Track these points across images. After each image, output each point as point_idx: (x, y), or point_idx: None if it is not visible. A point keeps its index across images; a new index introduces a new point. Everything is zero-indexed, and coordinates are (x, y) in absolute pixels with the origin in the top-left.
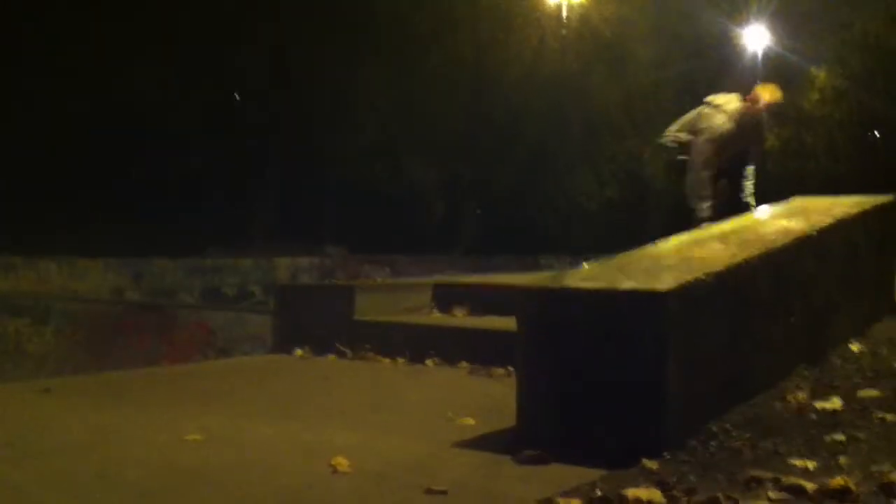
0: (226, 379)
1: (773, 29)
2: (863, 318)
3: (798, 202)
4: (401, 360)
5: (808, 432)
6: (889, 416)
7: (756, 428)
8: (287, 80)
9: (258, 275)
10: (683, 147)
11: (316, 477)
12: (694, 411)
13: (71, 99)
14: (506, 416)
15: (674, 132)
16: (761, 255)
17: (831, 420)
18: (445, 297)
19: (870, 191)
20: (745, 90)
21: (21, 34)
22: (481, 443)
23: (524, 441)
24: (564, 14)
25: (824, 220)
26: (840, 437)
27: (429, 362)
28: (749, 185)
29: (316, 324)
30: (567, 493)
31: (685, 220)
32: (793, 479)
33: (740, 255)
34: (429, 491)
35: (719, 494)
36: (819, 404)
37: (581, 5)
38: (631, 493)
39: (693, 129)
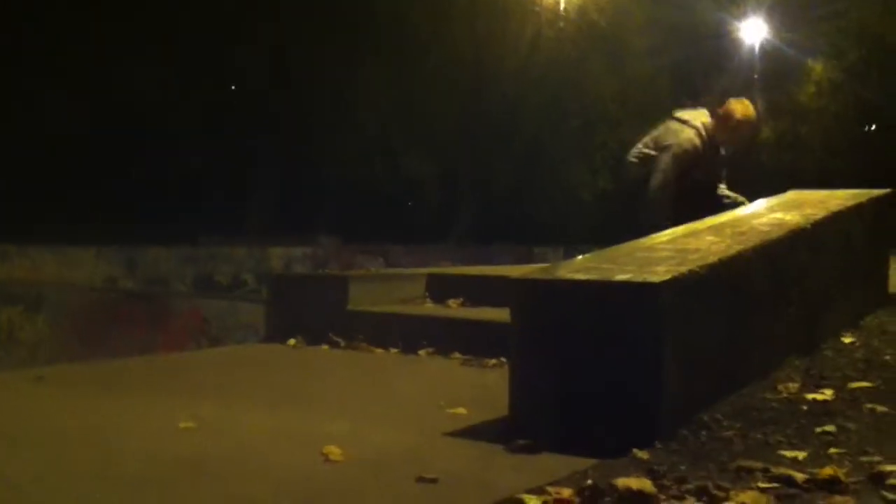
0: (218, 368)
1: (770, 21)
2: (856, 310)
3: (793, 195)
4: (394, 351)
5: (798, 423)
6: (880, 408)
7: (747, 418)
8: (286, 78)
9: (251, 264)
10: (647, 165)
11: (308, 465)
12: (685, 402)
13: (70, 98)
14: (498, 407)
15: (640, 149)
16: (756, 247)
17: (822, 411)
18: (439, 288)
19: (865, 184)
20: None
21: (21, 34)
22: (473, 432)
23: (516, 431)
24: (562, 6)
25: (819, 212)
26: (831, 427)
27: (422, 353)
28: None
29: (309, 313)
30: (558, 483)
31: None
32: (783, 470)
33: (735, 247)
34: (420, 479)
35: (709, 483)
36: (810, 395)
37: None
38: (621, 482)
39: (658, 146)
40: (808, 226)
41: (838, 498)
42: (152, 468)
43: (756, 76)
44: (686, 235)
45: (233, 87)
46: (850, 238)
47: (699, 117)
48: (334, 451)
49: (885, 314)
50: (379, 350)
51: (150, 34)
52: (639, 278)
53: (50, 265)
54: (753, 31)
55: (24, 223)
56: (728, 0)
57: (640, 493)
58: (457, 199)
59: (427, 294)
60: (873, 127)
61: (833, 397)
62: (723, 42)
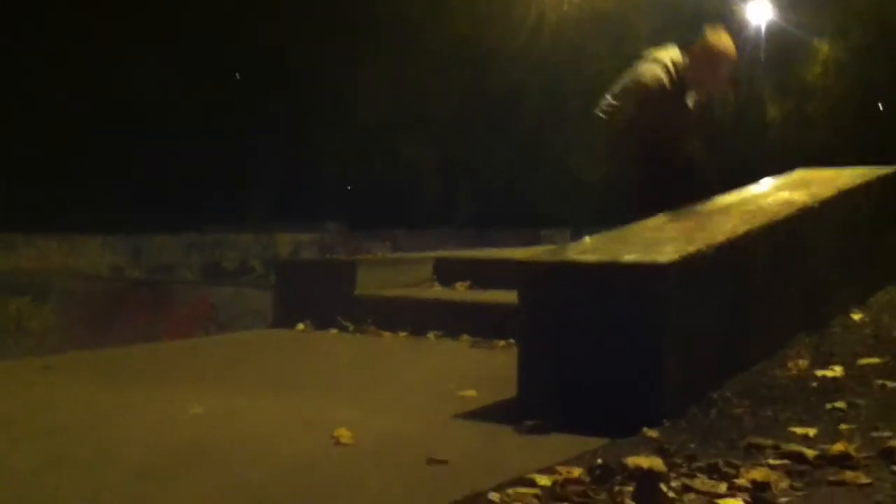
0: (227, 354)
1: (776, 2)
2: (864, 287)
3: (800, 174)
4: (402, 334)
5: (808, 400)
6: (889, 384)
7: (756, 396)
8: (285, 73)
9: (258, 250)
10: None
11: (318, 450)
12: (694, 380)
13: (70, 97)
14: (507, 388)
15: (607, 100)
16: (763, 226)
17: (832, 387)
18: (447, 272)
19: (872, 162)
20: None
21: (21, 34)
22: (483, 414)
23: (525, 412)
24: None
25: (826, 191)
26: (840, 404)
27: (430, 336)
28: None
29: (317, 299)
30: (568, 462)
31: None
32: (793, 446)
33: (742, 226)
34: (430, 461)
35: (719, 461)
36: (819, 372)
37: None
38: (632, 460)
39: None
40: (816, 204)
41: (849, 473)
42: (159, 455)
43: (762, 57)
44: (694, 215)
45: (236, 76)
46: (857, 216)
47: (668, 53)
48: (344, 434)
49: (894, 290)
50: (387, 334)
51: (150, 34)
52: (647, 258)
53: (56, 255)
54: (759, 12)
55: (30, 212)
56: None
57: (651, 472)
58: (460, 183)
59: (435, 277)
60: (880, 106)
61: (842, 374)
62: (728, 23)
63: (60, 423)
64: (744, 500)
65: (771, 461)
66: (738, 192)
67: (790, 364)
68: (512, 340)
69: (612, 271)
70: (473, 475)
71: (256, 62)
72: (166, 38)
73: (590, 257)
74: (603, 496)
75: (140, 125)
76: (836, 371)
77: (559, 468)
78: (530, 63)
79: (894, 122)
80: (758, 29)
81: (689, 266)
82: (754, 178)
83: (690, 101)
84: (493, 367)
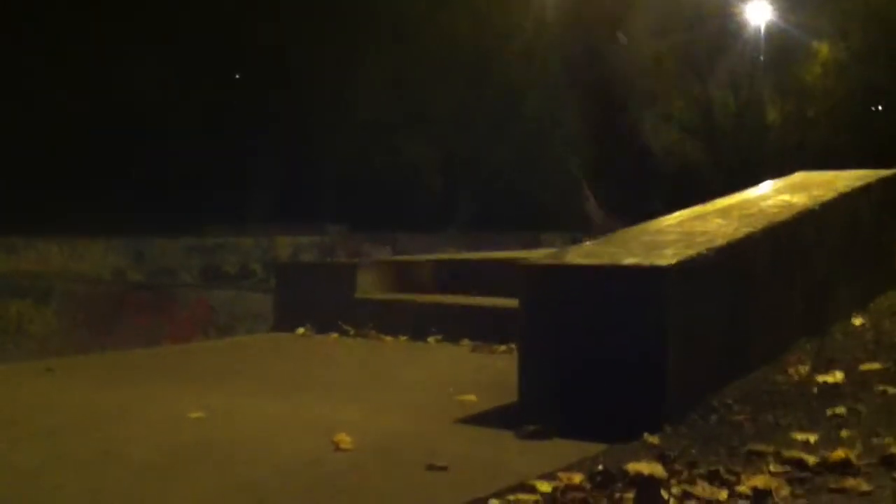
0: (227, 357)
1: (776, 2)
2: (865, 291)
3: (800, 176)
4: (403, 338)
5: (809, 405)
6: (890, 389)
7: (757, 401)
8: (285, 75)
9: (258, 253)
10: None
11: (318, 453)
12: (695, 385)
13: (70, 97)
14: (508, 392)
15: None
16: (763, 229)
17: (833, 393)
18: (447, 275)
19: (873, 164)
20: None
21: (21, 34)
22: (483, 418)
23: (526, 416)
24: None
25: (826, 194)
26: (841, 410)
27: (431, 339)
28: None
29: (318, 302)
30: (569, 468)
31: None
32: (794, 452)
33: (742, 229)
34: (430, 466)
35: (720, 468)
36: (820, 377)
37: None
38: (632, 466)
39: None
40: (816, 207)
41: (850, 480)
42: (160, 456)
43: (762, 58)
44: (693, 218)
45: (236, 76)
46: (857, 219)
47: None
48: (344, 438)
49: (895, 295)
50: (388, 337)
51: (150, 34)
52: (647, 262)
53: (57, 257)
54: (758, 13)
55: (30, 213)
56: None
57: (652, 478)
58: (459, 186)
59: (435, 281)
60: (880, 107)
61: (843, 379)
62: (728, 23)
63: (61, 424)
64: None
65: (772, 468)
66: (738, 194)
67: (791, 369)
68: (512, 344)
69: (613, 274)
70: (474, 481)
71: (256, 62)
72: (166, 39)
73: (590, 260)
74: (604, 503)
75: (140, 125)
76: (837, 377)
77: (560, 474)
78: (531, 64)
79: (895, 123)
80: (757, 30)
81: (690, 269)
82: (755, 179)
83: None
84: (493, 372)
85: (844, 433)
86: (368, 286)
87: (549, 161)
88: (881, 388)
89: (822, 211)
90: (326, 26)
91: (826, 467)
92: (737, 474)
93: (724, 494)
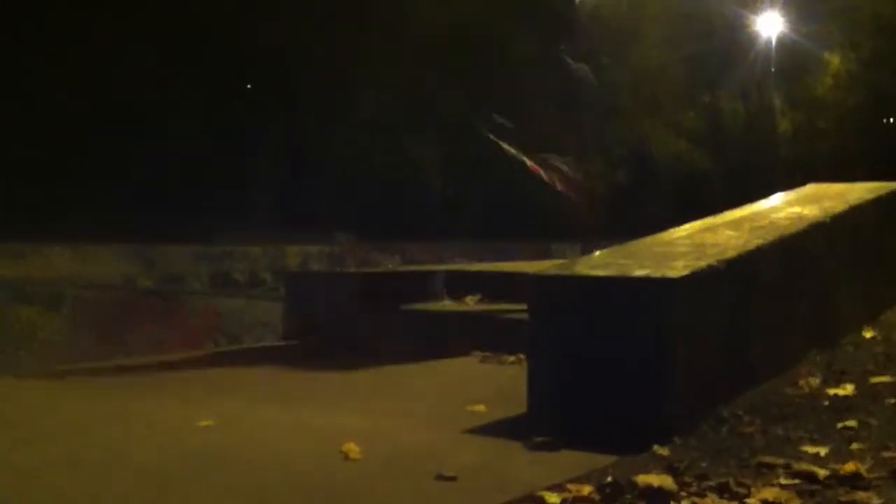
0: (236, 366)
1: (786, 14)
2: (876, 303)
3: (812, 188)
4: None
5: (819, 418)
6: None
7: (767, 414)
8: (287, 81)
9: (267, 261)
10: None
11: (326, 462)
12: (705, 397)
13: (70, 98)
14: (517, 403)
15: None
16: (774, 241)
17: (843, 406)
18: (456, 285)
19: (884, 176)
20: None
21: (21, 34)
22: (492, 429)
23: (535, 428)
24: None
25: (837, 206)
26: (852, 422)
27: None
28: None
29: (327, 311)
30: (578, 480)
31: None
32: (804, 465)
33: (753, 241)
34: (439, 477)
35: (730, 480)
36: (831, 390)
37: None
38: (642, 478)
39: None
40: (827, 220)
41: (860, 494)
42: (169, 463)
43: (773, 69)
44: (703, 230)
45: (236, 76)
46: (868, 232)
47: None
48: (353, 448)
49: None
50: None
51: (150, 34)
52: (657, 273)
53: (67, 264)
54: (769, 25)
55: (30, 215)
56: None
57: (661, 490)
58: (466, 185)
59: (445, 290)
60: (891, 119)
61: (854, 392)
62: (738, 34)
63: (72, 431)
64: None
65: (782, 480)
66: (749, 206)
67: (801, 382)
68: (521, 355)
69: (623, 286)
70: (482, 491)
71: (257, 62)
72: (166, 39)
73: (600, 272)
74: None
75: (140, 125)
76: (848, 389)
77: (569, 485)
78: (541, 69)
79: None
80: (768, 41)
81: (700, 281)
82: (764, 189)
83: None
84: (502, 382)
85: (855, 446)
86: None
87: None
88: (892, 400)
89: (833, 223)
90: (327, 26)
91: (836, 480)
92: (747, 487)
93: None
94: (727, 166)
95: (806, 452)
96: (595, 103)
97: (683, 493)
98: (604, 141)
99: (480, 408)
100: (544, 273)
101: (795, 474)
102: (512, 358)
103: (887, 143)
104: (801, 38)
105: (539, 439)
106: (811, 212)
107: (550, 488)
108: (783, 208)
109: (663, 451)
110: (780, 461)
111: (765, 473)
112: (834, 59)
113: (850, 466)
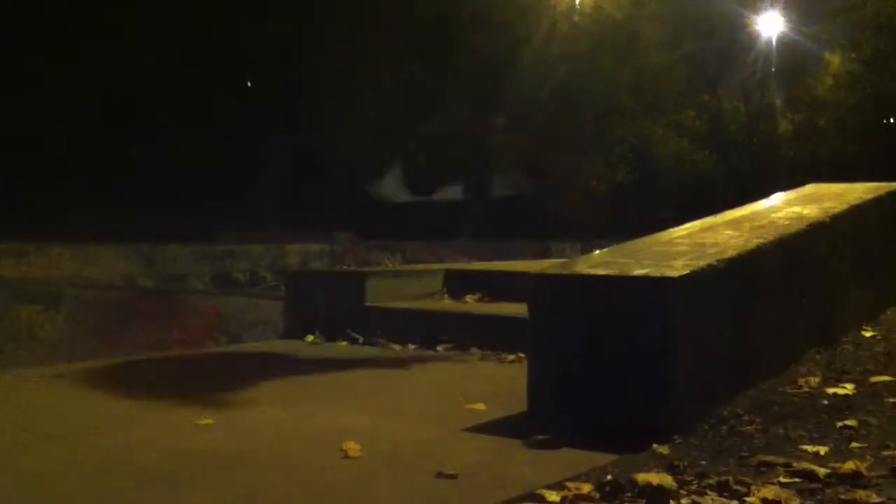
0: (236, 365)
1: (787, 14)
2: (876, 303)
3: (811, 188)
4: (412, 346)
5: (819, 417)
6: None
7: (767, 412)
8: (289, 72)
9: (268, 260)
10: None
11: (326, 460)
12: (705, 396)
13: (72, 99)
14: (517, 402)
15: None
16: (774, 241)
17: (843, 405)
18: (457, 284)
19: (884, 176)
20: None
21: (21, 34)
22: (492, 428)
23: (535, 426)
24: (577, 1)
25: (837, 206)
26: (852, 422)
27: (440, 348)
28: None
29: (327, 310)
30: (577, 478)
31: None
32: (804, 464)
33: (753, 241)
34: (439, 475)
35: (730, 479)
36: (831, 389)
37: None
38: (641, 477)
39: None
40: (827, 219)
41: (860, 492)
42: (169, 461)
43: (773, 69)
44: (703, 230)
45: (237, 76)
46: (868, 231)
47: None
48: (353, 446)
49: None
50: (397, 346)
51: (150, 33)
52: (657, 273)
53: (68, 263)
54: (770, 24)
55: (30, 215)
56: None
57: (661, 489)
58: (470, 193)
59: (445, 290)
60: (892, 119)
61: (854, 391)
62: (739, 34)
63: (73, 430)
64: None
65: (782, 479)
66: (749, 206)
67: (801, 381)
68: (521, 354)
69: (622, 285)
70: (482, 490)
71: (257, 61)
72: (167, 38)
73: (599, 271)
74: None
75: (140, 125)
76: (848, 388)
77: (569, 484)
78: (542, 73)
79: None
80: (769, 41)
81: (700, 280)
82: (765, 188)
83: None
84: (502, 381)
85: (855, 445)
86: (378, 294)
87: (560, 167)
88: (892, 400)
89: (833, 223)
90: (327, 26)
91: (836, 479)
92: (747, 485)
93: None
94: (727, 166)
95: (806, 451)
96: (595, 103)
97: (683, 492)
98: (604, 140)
99: (480, 406)
100: (544, 272)
101: (795, 473)
102: (512, 357)
103: (887, 143)
104: (802, 38)
105: (539, 437)
106: (811, 212)
107: (550, 486)
108: (783, 208)
109: (663, 449)
110: (780, 460)
111: (765, 472)
112: (834, 59)
113: (849, 465)
